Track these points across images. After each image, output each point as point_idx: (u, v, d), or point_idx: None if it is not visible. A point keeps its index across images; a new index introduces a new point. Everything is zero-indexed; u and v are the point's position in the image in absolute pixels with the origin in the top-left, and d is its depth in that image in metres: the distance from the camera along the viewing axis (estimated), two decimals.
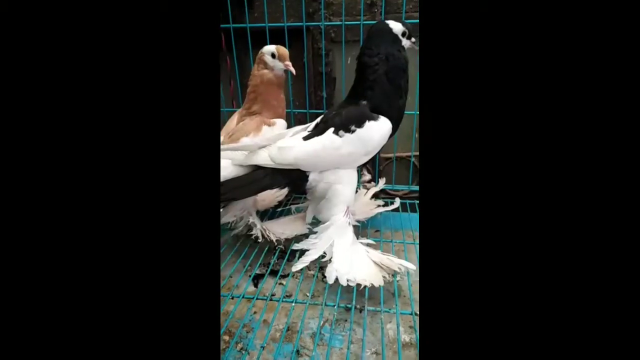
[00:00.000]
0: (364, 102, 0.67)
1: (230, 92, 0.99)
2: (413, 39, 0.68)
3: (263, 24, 0.84)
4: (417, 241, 0.79)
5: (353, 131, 0.65)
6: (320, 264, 0.71)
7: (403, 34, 0.66)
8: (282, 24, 0.83)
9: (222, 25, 0.89)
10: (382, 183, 0.92)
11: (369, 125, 0.65)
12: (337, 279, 0.62)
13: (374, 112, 0.66)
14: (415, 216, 0.89)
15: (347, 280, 0.62)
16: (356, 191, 0.90)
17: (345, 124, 0.66)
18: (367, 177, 1.03)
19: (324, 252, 0.67)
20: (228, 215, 0.75)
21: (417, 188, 1.00)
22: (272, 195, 0.84)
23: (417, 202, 0.94)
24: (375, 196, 0.91)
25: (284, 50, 0.75)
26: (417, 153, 1.02)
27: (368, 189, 0.91)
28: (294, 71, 0.75)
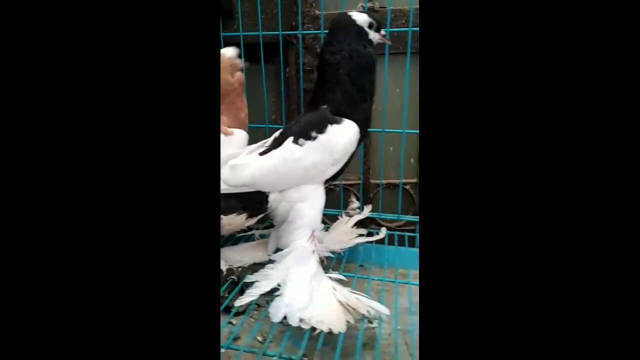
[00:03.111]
0: (324, 107, 0.58)
1: None
2: (383, 32, 0.60)
3: (237, 33, 0.79)
4: (406, 280, 0.66)
5: (314, 138, 0.56)
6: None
7: (370, 26, 0.58)
8: (257, 33, 0.77)
9: None
10: (367, 211, 0.81)
11: (331, 129, 0.56)
12: (286, 318, 0.49)
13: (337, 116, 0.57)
14: (405, 250, 0.76)
15: (300, 321, 0.49)
16: (337, 218, 0.79)
17: (305, 131, 0.57)
18: (355, 204, 0.92)
19: (279, 285, 0.54)
20: None
21: (407, 217, 0.87)
22: (239, 219, 0.74)
23: (408, 234, 0.81)
24: (364, 226, 0.79)
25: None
26: (410, 180, 0.91)
27: (351, 216, 0.80)
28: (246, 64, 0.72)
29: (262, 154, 0.59)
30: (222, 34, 0.80)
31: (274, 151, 0.58)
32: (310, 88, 0.88)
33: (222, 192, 0.58)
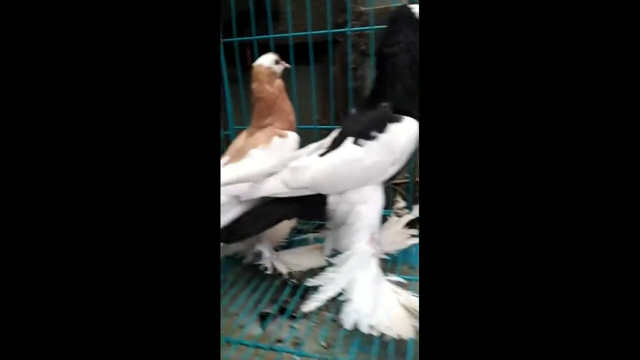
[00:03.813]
0: (385, 104, 0.57)
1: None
2: None
3: (286, 34, 0.78)
4: None
5: (375, 138, 0.55)
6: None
7: None
8: (306, 33, 0.77)
9: (245, 39, 0.84)
10: (416, 210, 0.79)
11: (392, 128, 0.55)
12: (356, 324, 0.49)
13: (397, 114, 0.56)
14: None
15: (370, 327, 0.49)
16: (386, 219, 0.78)
17: (365, 131, 0.55)
18: (401, 204, 0.90)
19: (342, 289, 0.54)
20: (235, 245, 0.65)
21: None
22: (286, 225, 0.74)
23: None
24: (411, 226, 0.78)
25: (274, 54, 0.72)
26: None
27: (400, 217, 0.78)
28: (288, 65, 0.73)
29: (322, 155, 0.59)
30: (271, 36, 0.80)
31: (334, 152, 0.57)
32: (356, 86, 0.87)
33: (282, 195, 0.58)
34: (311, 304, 0.53)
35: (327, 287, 0.54)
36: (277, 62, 0.70)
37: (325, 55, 0.85)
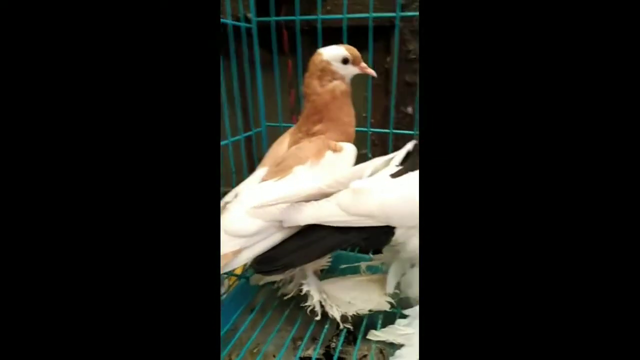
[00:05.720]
0: None
1: (290, 103, 0.79)
2: None
3: (340, 16, 0.64)
4: None
5: None
6: None
7: None
8: (367, 15, 0.62)
9: (285, 18, 0.70)
10: None
11: None
12: None
13: None
14: None
15: None
16: None
17: None
18: None
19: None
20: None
21: None
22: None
23: None
24: None
25: (356, 51, 0.54)
26: None
27: None
28: (374, 74, 0.56)
29: (394, 176, 0.46)
30: (319, 17, 0.66)
31: (412, 174, 0.45)
32: (413, 81, 0.74)
33: (339, 224, 0.46)
34: None
35: (407, 349, 0.42)
36: (346, 61, 0.53)
37: (379, 42, 0.71)
